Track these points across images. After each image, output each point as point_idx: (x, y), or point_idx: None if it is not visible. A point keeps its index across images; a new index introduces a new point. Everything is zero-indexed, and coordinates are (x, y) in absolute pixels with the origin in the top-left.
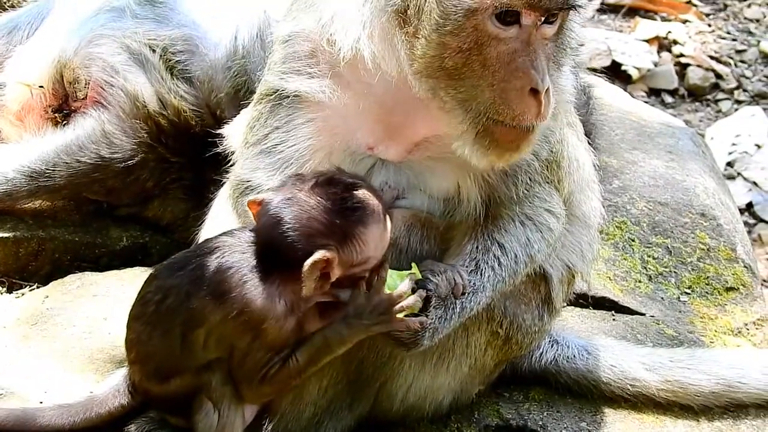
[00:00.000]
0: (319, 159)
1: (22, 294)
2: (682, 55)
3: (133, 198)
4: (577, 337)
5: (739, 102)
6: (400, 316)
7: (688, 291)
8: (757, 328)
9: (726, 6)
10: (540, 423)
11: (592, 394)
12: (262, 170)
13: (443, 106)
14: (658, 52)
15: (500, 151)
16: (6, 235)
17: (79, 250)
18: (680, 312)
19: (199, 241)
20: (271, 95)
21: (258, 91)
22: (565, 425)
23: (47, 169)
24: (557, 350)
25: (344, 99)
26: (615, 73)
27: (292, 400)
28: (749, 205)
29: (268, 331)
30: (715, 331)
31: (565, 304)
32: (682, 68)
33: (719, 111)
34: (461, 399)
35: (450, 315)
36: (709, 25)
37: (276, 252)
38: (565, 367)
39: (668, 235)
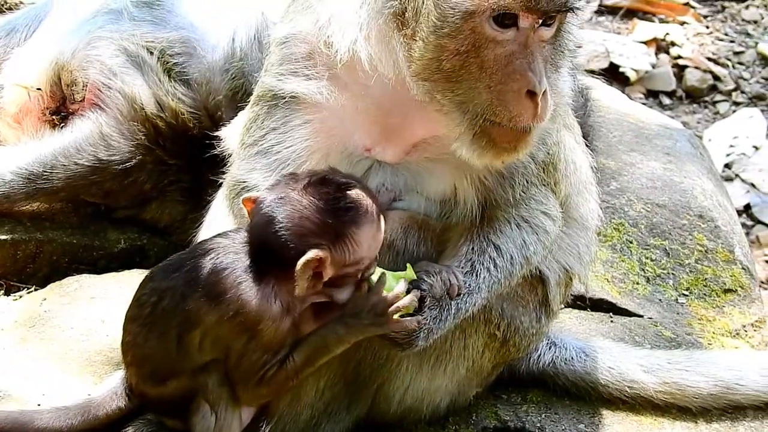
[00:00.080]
0: (316, 160)
1: (20, 296)
2: (680, 57)
3: (131, 200)
4: (575, 339)
5: (737, 104)
6: (395, 316)
7: (686, 293)
8: (755, 330)
9: (724, 8)
10: (538, 425)
11: (590, 396)
12: (258, 171)
13: (440, 108)
14: (656, 54)
15: (497, 151)
16: (4, 237)
17: (76, 252)
18: (678, 314)
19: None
20: (268, 97)
21: (255, 93)
22: (563, 427)
23: (45, 172)
24: (555, 352)
25: (341, 100)
26: (613, 74)
27: (290, 402)
28: (747, 207)
29: (264, 331)
30: (713, 333)
31: (563, 306)
32: (680, 70)
33: (717, 113)
34: (459, 401)
35: (445, 316)
36: (707, 27)
37: (269, 251)
38: (563, 369)
39: (666, 236)
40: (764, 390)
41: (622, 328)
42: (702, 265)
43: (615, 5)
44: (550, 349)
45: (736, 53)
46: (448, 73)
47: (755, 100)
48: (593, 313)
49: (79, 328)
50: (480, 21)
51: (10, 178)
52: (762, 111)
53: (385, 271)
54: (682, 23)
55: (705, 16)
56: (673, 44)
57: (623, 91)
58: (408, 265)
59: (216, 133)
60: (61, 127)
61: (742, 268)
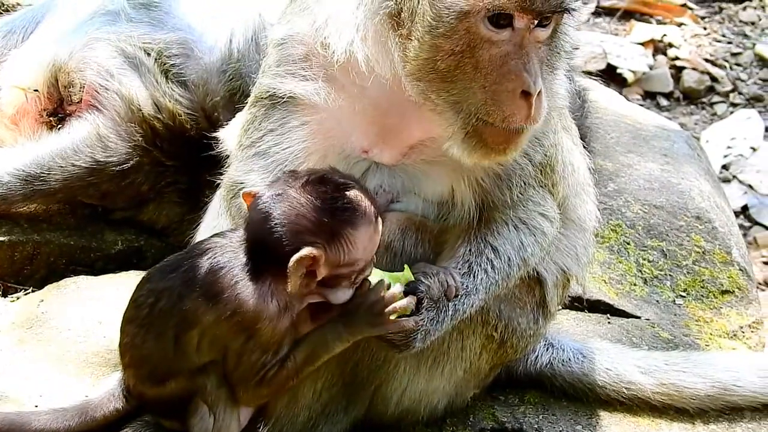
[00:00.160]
0: (314, 162)
1: (18, 298)
2: (677, 58)
3: (128, 202)
4: (572, 340)
5: (734, 105)
6: (392, 317)
7: (684, 294)
8: (752, 331)
9: (721, 9)
10: (535, 426)
11: (587, 397)
12: (256, 172)
13: (435, 108)
14: (654, 55)
15: (487, 151)
16: (1, 238)
17: (74, 253)
18: (675, 315)
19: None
20: (266, 98)
21: (252, 94)
22: (561, 428)
23: (42, 173)
24: (552, 353)
25: (338, 102)
26: (610, 76)
27: (287, 403)
28: (744, 208)
29: (262, 331)
30: (711, 334)
31: (560, 308)
32: (677, 71)
33: (714, 114)
34: (456, 402)
35: (442, 317)
36: (705, 28)
37: (265, 248)
38: (561, 370)
39: (663, 238)
40: (761, 391)
41: (619, 329)
42: (699, 266)
43: (612, 6)
44: (547, 350)
45: (734, 54)
46: (443, 73)
47: (753, 101)
48: (590, 314)
49: (77, 329)
50: (475, 21)
51: (7, 180)
52: (759, 112)
53: (383, 272)
54: (680, 24)
55: (702, 18)
56: (670, 45)
57: (620, 93)
58: (405, 266)
59: (213, 135)
60: (59, 129)
61: (740, 270)
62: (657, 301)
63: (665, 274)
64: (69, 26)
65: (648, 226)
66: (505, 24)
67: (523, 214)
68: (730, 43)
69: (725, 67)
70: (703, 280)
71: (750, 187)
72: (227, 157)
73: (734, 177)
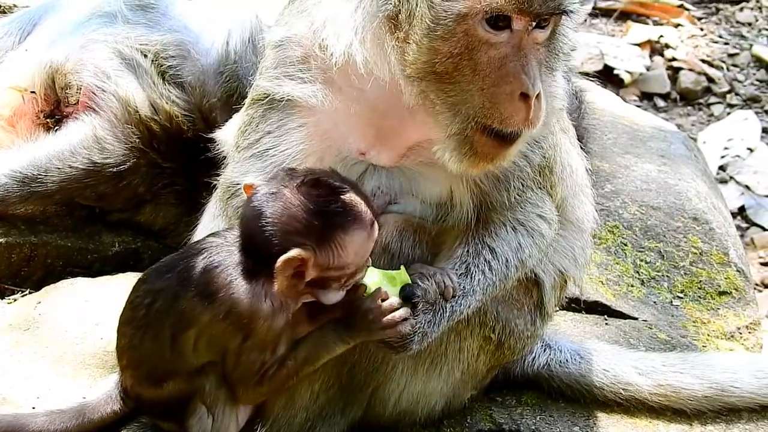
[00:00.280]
0: (311, 164)
1: (15, 299)
2: (674, 59)
3: (125, 203)
4: (569, 341)
5: (731, 106)
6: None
7: (681, 295)
8: (749, 332)
9: (718, 10)
10: (533, 427)
11: (584, 398)
12: (253, 174)
13: (433, 110)
14: (651, 56)
15: (481, 157)
16: None
17: (71, 255)
18: (673, 316)
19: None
20: (263, 100)
21: (249, 96)
22: (558, 429)
23: (39, 175)
24: (550, 354)
25: (336, 104)
26: (607, 77)
27: (284, 404)
28: (741, 209)
29: (258, 330)
30: (708, 335)
31: (558, 309)
32: (674, 72)
33: (711, 115)
34: (454, 404)
35: (439, 319)
36: (702, 29)
37: (256, 246)
38: (558, 371)
39: (660, 239)
40: (759, 392)
41: (616, 330)
42: (696, 267)
43: (609, 8)
44: (544, 351)
45: (731, 55)
46: (441, 75)
47: (749, 102)
48: (588, 315)
49: (74, 331)
50: (473, 23)
51: (4, 181)
52: (756, 113)
53: (379, 270)
54: (677, 25)
55: (699, 19)
56: (667, 46)
57: (617, 94)
58: (402, 267)
59: (210, 136)
60: (56, 131)
61: (737, 271)
62: (654, 302)
63: (662, 275)
64: (66, 28)
65: (645, 227)
66: (504, 26)
67: (521, 215)
68: (727, 44)
69: (722, 68)
70: (700, 281)
71: (747, 188)
72: (224, 158)
73: (731, 178)
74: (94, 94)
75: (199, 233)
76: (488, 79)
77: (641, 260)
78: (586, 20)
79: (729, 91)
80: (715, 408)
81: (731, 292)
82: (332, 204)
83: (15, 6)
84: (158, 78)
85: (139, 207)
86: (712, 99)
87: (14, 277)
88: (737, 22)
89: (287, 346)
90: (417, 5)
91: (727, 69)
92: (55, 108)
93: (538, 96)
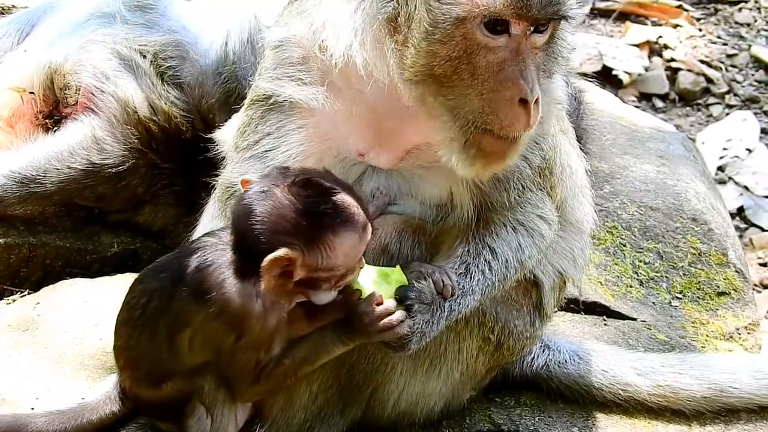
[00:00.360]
0: (311, 165)
1: (13, 300)
2: (673, 60)
3: (124, 204)
4: (568, 342)
5: (730, 106)
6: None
7: (680, 296)
8: (748, 333)
9: (717, 10)
10: (531, 428)
11: (583, 399)
12: (252, 175)
13: (432, 114)
14: (649, 57)
15: (486, 161)
16: None
17: (70, 256)
18: (672, 317)
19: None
20: (262, 101)
21: (249, 97)
22: (557, 430)
23: (38, 176)
24: (549, 355)
25: (336, 105)
26: (606, 77)
27: (283, 405)
28: (740, 210)
29: (251, 329)
30: (707, 336)
31: (557, 310)
32: (673, 73)
33: (710, 115)
34: (453, 405)
35: (437, 318)
36: (700, 30)
37: (245, 244)
38: (557, 372)
39: (659, 239)
40: (758, 393)
41: (615, 331)
42: (695, 268)
43: (608, 8)
44: (543, 352)
45: (729, 56)
46: (439, 79)
47: (748, 102)
48: (587, 316)
49: (73, 331)
50: (471, 27)
51: (3, 182)
52: (755, 114)
53: (374, 267)
54: (675, 26)
55: (698, 19)
56: (666, 47)
57: (616, 94)
58: (398, 266)
59: (209, 136)
60: (54, 131)
61: (736, 271)
62: (653, 302)
63: (661, 276)
64: (64, 28)
65: (644, 227)
66: (502, 30)
67: (521, 216)
68: (725, 44)
69: (721, 68)
70: (699, 282)
71: (746, 188)
72: (223, 159)
73: (730, 178)
74: (93, 94)
75: (198, 234)
76: (487, 83)
77: (640, 261)
78: (584, 21)
79: (728, 92)
80: (714, 409)
81: (730, 293)
82: (322, 205)
83: (14, 7)
84: (157, 79)
85: (138, 208)
86: (711, 99)
87: (13, 277)
88: (736, 22)
89: (283, 345)
90: (415, 8)
91: (726, 69)
92: (53, 109)
93: (536, 101)
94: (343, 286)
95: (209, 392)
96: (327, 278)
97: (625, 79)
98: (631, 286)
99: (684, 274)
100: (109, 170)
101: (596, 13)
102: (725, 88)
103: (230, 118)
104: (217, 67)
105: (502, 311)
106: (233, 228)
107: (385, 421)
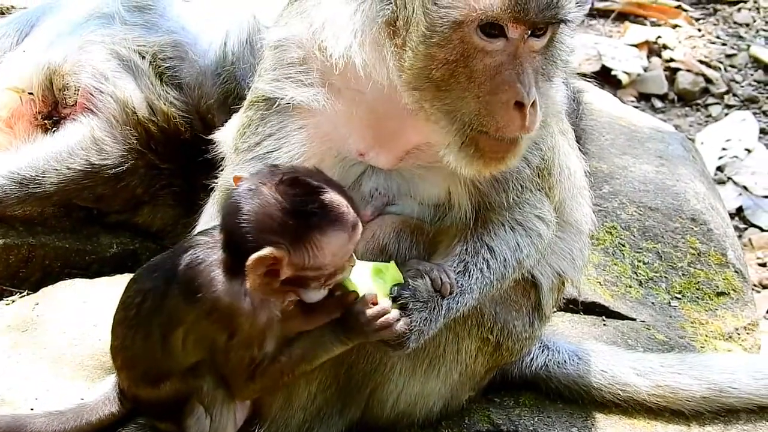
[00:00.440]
0: (311, 165)
1: (12, 301)
2: (672, 60)
3: (123, 204)
4: (567, 342)
5: (729, 106)
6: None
7: (679, 296)
8: (747, 333)
9: (716, 11)
10: (531, 428)
11: (582, 399)
12: (244, 172)
13: (430, 116)
14: (648, 57)
15: (485, 161)
16: None
17: (69, 256)
18: (671, 317)
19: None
20: (262, 102)
21: (248, 98)
22: (556, 430)
23: (37, 176)
24: (548, 355)
25: (336, 106)
26: (605, 78)
27: (282, 405)
28: (739, 210)
29: (241, 327)
30: (706, 336)
31: (556, 310)
32: (672, 73)
33: (709, 116)
34: (452, 405)
35: (435, 316)
36: (699, 30)
37: (233, 242)
38: (556, 372)
39: (658, 240)
40: (757, 393)
41: (614, 331)
42: (694, 268)
43: (607, 8)
44: (542, 352)
45: (728, 56)
46: (437, 82)
47: (747, 102)
48: (586, 316)
49: (72, 332)
50: (468, 31)
51: (2, 183)
52: (754, 114)
53: (369, 263)
54: (674, 26)
55: (697, 19)
56: (665, 47)
57: (615, 95)
58: (392, 262)
59: (208, 137)
60: (53, 132)
61: (735, 271)
62: (652, 303)
63: (660, 276)
64: (63, 29)
65: (643, 228)
66: (499, 34)
67: (519, 216)
68: (724, 44)
69: (720, 68)
70: (698, 282)
71: (745, 188)
72: (222, 159)
73: (729, 179)
74: (92, 95)
75: None
76: (484, 87)
77: (639, 261)
78: (583, 21)
79: (727, 92)
80: (713, 409)
81: (729, 293)
82: (309, 204)
83: (13, 7)
84: (156, 79)
85: (137, 208)
86: (710, 100)
87: (12, 278)
88: (735, 22)
89: (277, 343)
90: (413, 11)
91: (725, 70)
92: (52, 109)
93: (533, 104)
94: (333, 284)
95: (208, 392)
96: (315, 277)
97: (624, 79)
98: (630, 287)
99: (683, 275)
100: (108, 171)
101: (595, 13)
102: (724, 89)
103: (229, 118)
104: (216, 68)
105: (501, 312)
106: (222, 226)
107: (384, 422)
